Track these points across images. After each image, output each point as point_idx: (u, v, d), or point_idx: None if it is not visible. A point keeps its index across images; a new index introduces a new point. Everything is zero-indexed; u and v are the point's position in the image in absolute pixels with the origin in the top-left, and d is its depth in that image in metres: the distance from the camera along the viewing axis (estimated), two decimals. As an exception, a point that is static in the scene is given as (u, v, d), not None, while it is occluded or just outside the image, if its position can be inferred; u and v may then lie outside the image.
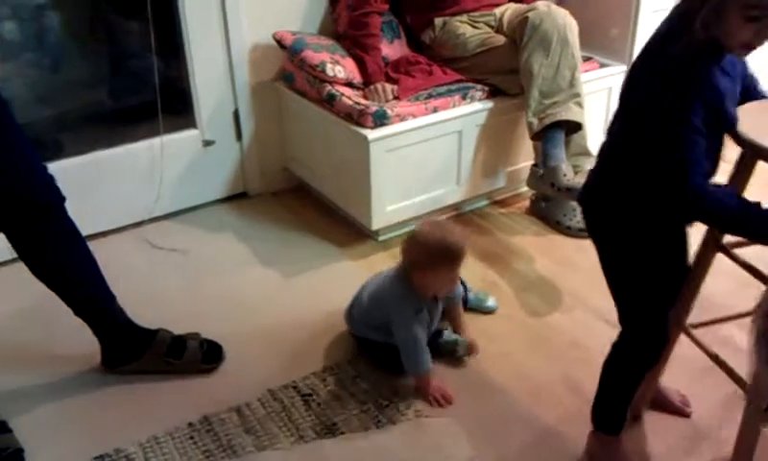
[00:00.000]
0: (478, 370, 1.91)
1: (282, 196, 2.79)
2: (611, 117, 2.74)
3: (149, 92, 2.53)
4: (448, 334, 1.95)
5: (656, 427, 1.71)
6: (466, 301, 2.05)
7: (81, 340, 1.88)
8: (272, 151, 2.77)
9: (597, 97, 2.68)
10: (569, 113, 2.32)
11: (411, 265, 1.79)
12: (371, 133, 2.26)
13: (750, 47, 1.20)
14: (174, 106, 2.64)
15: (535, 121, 2.34)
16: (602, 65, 2.71)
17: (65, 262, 1.74)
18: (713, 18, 1.16)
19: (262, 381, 1.87)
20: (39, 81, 2.58)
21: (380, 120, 2.28)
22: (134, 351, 1.87)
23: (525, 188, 2.66)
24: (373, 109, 2.29)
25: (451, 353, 1.92)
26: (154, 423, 1.75)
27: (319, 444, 1.69)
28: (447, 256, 1.75)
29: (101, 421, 1.77)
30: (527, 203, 2.67)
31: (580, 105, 2.35)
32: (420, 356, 1.80)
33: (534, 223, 2.58)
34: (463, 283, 2.03)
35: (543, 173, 2.35)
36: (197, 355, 1.90)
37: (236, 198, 2.79)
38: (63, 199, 1.70)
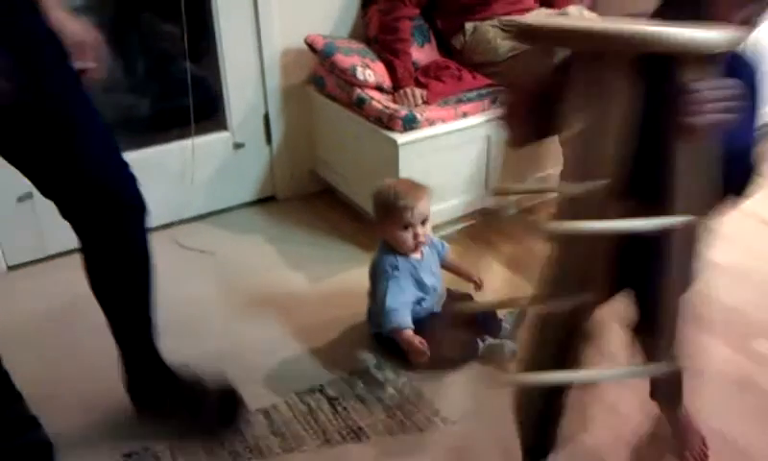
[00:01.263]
0: (506, 377, 1.90)
1: (311, 199, 2.80)
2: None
3: (181, 95, 2.56)
4: (491, 340, 1.95)
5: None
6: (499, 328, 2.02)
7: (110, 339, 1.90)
8: (301, 154, 2.78)
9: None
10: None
11: (375, 220, 1.97)
12: (400, 137, 2.26)
13: None
14: (205, 109, 2.67)
15: (566, 128, 2.33)
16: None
17: (131, 281, 1.62)
18: None
19: (289, 384, 1.88)
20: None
21: (410, 124, 2.28)
22: (160, 394, 1.73)
23: (554, 195, 2.64)
24: (403, 113, 2.29)
25: (497, 357, 1.92)
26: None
27: (345, 448, 1.69)
28: (389, 207, 1.89)
29: (129, 419, 1.79)
30: (555, 210, 2.65)
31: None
32: (388, 313, 1.85)
33: (563, 230, 2.56)
34: (497, 317, 2.01)
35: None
36: (213, 414, 1.74)
37: (265, 201, 2.81)
38: (145, 207, 1.54)
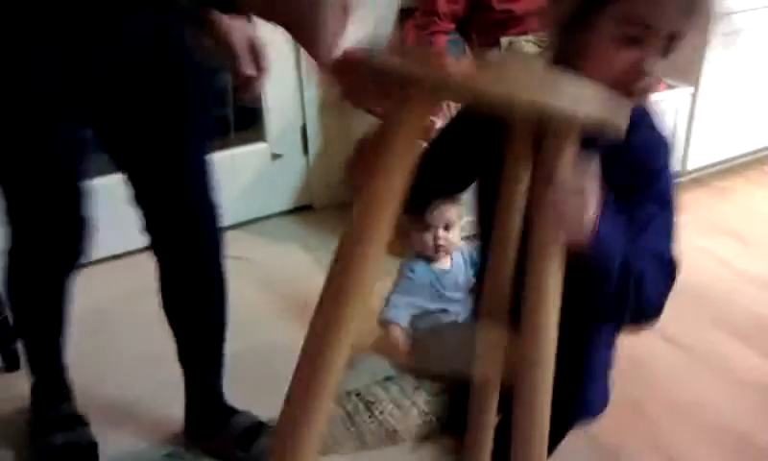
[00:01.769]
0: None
1: (347, 209, 2.81)
2: (675, 138, 2.74)
3: (222, 107, 2.62)
4: None
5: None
6: None
7: (152, 338, 1.95)
8: (338, 165, 2.81)
9: (664, 117, 2.65)
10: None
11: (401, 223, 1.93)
12: (435, 148, 2.29)
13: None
14: (244, 119, 2.73)
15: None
16: (669, 87, 2.70)
17: (203, 308, 1.64)
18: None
19: (325, 387, 1.90)
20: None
21: (445, 136, 2.31)
22: (213, 424, 1.73)
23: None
24: (437, 123, 2.32)
25: None
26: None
27: (381, 452, 1.72)
28: None
29: (169, 417, 1.83)
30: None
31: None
32: (386, 306, 1.92)
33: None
34: None
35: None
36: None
37: (302, 210, 2.85)
38: (223, 238, 1.56)
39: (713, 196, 2.86)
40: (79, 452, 1.63)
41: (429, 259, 1.96)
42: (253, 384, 1.93)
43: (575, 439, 1.71)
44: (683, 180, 2.89)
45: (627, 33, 0.83)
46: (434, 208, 1.86)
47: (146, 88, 1.31)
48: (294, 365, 1.91)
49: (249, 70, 1.35)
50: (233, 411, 1.73)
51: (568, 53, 0.87)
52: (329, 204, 2.86)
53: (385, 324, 1.92)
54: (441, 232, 1.91)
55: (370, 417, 1.81)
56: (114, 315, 2.16)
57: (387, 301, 1.95)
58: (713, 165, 2.94)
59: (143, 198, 1.45)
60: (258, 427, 1.70)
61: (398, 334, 1.90)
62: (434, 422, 1.78)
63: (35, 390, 1.71)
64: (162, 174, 1.41)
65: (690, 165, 2.83)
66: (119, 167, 1.43)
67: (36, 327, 1.62)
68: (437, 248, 1.94)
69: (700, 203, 2.81)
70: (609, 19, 0.83)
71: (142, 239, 1.56)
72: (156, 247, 1.51)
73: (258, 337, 2.11)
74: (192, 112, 1.40)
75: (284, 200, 2.82)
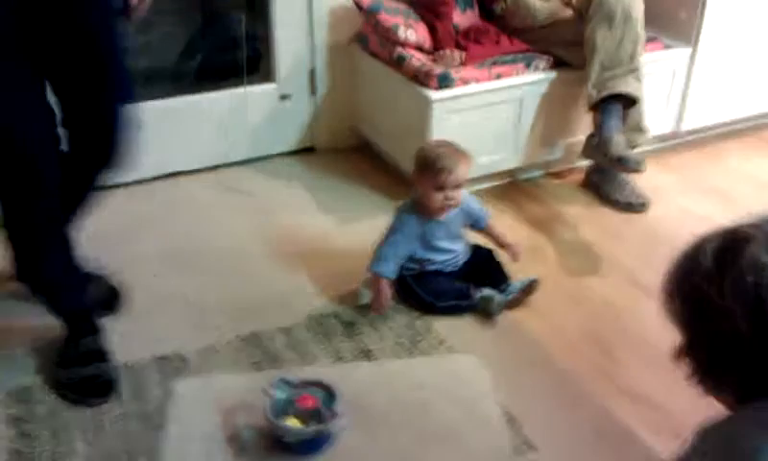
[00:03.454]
0: (513, 319, 2.02)
1: (348, 153, 2.94)
2: (672, 99, 2.79)
3: (235, 47, 2.74)
4: (488, 291, 2.04)
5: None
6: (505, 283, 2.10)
7: (146, 245, 2.09)
8: (342, 110, 2.92)
9: (660, 78, 2.72)
10: (627, 86, 2.39)
11: (413, 172, 2.03)
12: (434, 94, 2.38)
13: None
14: (255, 60, 2.84)
15: (594, 92, 2.42)
16: (666, 47, 2.75)
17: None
18: None
19: (309, 309, 2.04)
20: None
21: (444, 82, 2.40)
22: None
23: (582, 162, 2.74)
24: (438, 71, 2.41)
25: (485, 309, 2.02)
26: (209, 333, 1.94)
27: (355, 364, 1.85)
28: (428, 166, 1.96)
29: (162, 326, 1.98)
30: (582, 176, 2.74)
31: (638, 79, 2.41)
32: (379, 258, 2.00)
33: (585, 195, 2.66)
34: (506, 277, 2.10)
35: (597, 142, 2.43)
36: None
37: (305, 151, 2.96)
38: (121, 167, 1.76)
39: (706, 159, 2.92)
40: (93, 388, 1.74)
41: (425, 212, 2.02)
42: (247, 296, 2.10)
43: (537, 363, 1.85)
44: (677, 141, 2.96)
45: None
46: (450, 172, 1.94)
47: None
48: (282, 289, 2.05)
49: None
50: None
51: None
52: (331, 147, 2.96)
53: (374, 275, 2.02)
54: (450, 192, 1.97)
55: (346, 336, 1.94)
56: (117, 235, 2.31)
57: (377, 251, 2.02)
58: (709, 128, 2.99)
59: (69, 118, 1.67)
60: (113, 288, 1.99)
61: (385, 289, 2.00)
62: (407, 345, 1.91)
63: (62, 322, 1.82)
64: (87, 91, 1.63)
65: (685, 127, 2.89)
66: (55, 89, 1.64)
67: (44, 260, 1.74)
68: (444, 207, 2.00)
69: (691, 164, 2.88)
70: None
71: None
72: (70, 143, 1.71)
73: (251, 265, 2.25)
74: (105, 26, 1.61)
75: (288, 141, 2.93)
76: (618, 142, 2.36)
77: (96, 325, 1.85)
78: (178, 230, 2.42)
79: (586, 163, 2.73)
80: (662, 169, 2.79)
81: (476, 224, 2.14)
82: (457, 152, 2.00)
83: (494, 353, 1.90)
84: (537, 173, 2.78)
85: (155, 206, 2.57)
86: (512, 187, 2.69)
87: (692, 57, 2.77)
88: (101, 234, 2.32)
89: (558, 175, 2.79)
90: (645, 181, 2.59)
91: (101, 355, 1.79)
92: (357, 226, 2.45)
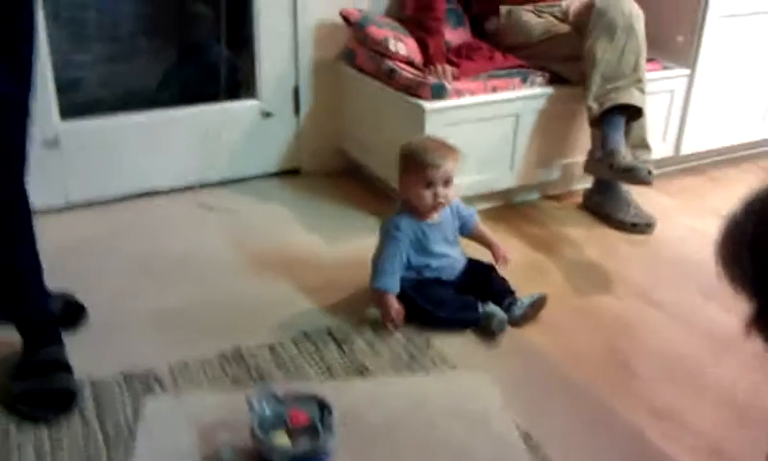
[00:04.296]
0: (521, 336, 1.85)
1: (335, 176, 2.79)
2: (671, 122, 2.71)
3: (215, 58, 2.60)
4: (492, 307, 1.87)
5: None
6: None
7: (119, 260, 1.90)
8: (328, 130, 2.78)
9: (659, 98, 2.63)
10: (631, 98, 2.28)
11: (398, 174, 1.90)
12: (428, 105, 2.25)
13: None
14: (237, 74, 2.70)
15: (595, 105, 2.31)
16: (665, 68, 2.67)
17: None
18: None
19: (297, 326, 1.85)
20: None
21: (438, 93, 2.27)
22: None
23: (579, 185, 2.63)
24: (432, 81, 2.29)
25: (486, 326, 1.84)
26: (185, 348, 1.74)
27: (350, 382, 1.66)
28: (415, 162, 1.83)
29: (132, 341, 1.78)
30: (580, 199, 2.61)
31: (642, 90, 2.31)
32: (380, 273, 1.85)
33: (586, 217, 2.53)
34: (511, 291, 1.94)
35: (601, 156, 2.30)
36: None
37: (289, 173, 2.80)
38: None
39: (706, 184, 2.83)
40: (53, 399, 1.53)
41: (415, 214, 1.89)
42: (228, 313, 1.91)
43: (550, 377, 1.68)
44: (675, 168, 2.86)
45: None
46: (438, 166, 1.81)
47: None
48: (268, 307, 1.86)
49: None
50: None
51: None
52: (317, 169, 2.81)
53: (380, 293, 1.86)
54: (441, 189, 1.84)
55: (340, 353, 1.75)
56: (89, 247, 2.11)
57: (377, 266, 1.88)
58: (708, 154, 2.91)
59: None
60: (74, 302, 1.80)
61: (392, 305, 1.84)
62: (406, 360, 1.73)
63: (20, 331, 1.61)
64: None
65: (684, 150, 2.80)
66: None
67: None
68: (436, 205, 1.87)
69: (692, 189, 2.78)
70: None
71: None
72: None
73: (234, 281, 2.06)
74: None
75: (272, 161, 2.77)
76: (625, 154, 2.23)
77: (59, 335, 1.64)
78: (151, 245, 2.24)
79: (583, 186, 2.61)
80: (663, 193, 2.67)
81: (464, 226, 1.99)
82: (444, 145, 1.87)
83: (503, 370, 1.72)
84: (533, 196, 2.65)
85: (126, 223, 2.40)
86: (508, 210, 2.55)
87: (691, 79, 2.68)
88: (66, 250, 2.15)
89: (555, 198, 2.66)
90: (646, 204, 2.47)
91: (63, 366, 1.58)
92: (347, 244, 2.28)
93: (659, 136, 2.68)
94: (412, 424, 1.53)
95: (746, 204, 0.87)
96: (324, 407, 1.44)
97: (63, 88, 2.41)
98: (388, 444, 1.47)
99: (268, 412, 1.42)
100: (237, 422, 1.44)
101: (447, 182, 1.85)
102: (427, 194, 1.84)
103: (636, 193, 2.47)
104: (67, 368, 1.58)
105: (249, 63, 2.67)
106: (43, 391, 1.52)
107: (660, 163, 2.75)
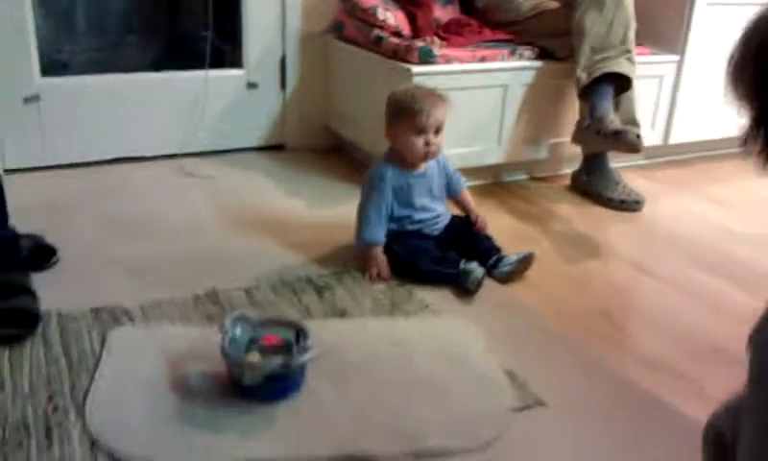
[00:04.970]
0: (509, 292, 1.80)
1: (320, 153, 2.74)
2: (661, 106, 2.68)
3: (202, 24, 2.56)
4: (472, 264, 1.81)
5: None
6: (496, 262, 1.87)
7: (96, 216, 1.84)
8: (314, 106, 2.74)
9: (648, 83, 2.60)
10: (620, 67, 2.25)
11: (386, 123, 1.84)
12: (415, 68, 2.22)
13: None
14: (223, 42, 2.66)
15: (584, 75, 2.28)
16: (653, 53, 2.65)
17: None
18: None
19: (276, 273, 1.78)
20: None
21: (426, 57, 2.24)
22: None
23: (567, 169, 2.59)
24: (420, 44, 2.26)
25: (462, 283, 1.76)
26: (157, 289, 1.67)
27: (329, 321, 1.59)
28: (405, 109, 1.78)
29: (103, 283, 1.71)
30: (568, 181, 2.58)
31: (631, 61, 2.28)
32: (365, 225, 1.82)
33: (575, 196, 2.49)
34: (497, 249, 1.89)
35: (590, 123, 2.27)
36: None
37: (274, 148, 2.75)
38: None
39: (695, 173, 2.81)
40: (14, 318, 1.46)
41: (401, 165, 1.84)
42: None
43: (536, 328, 1.61)
44: (664, 159, 2.84)
45: None
46: (428, 113, 1.77)
47: None
48: (249, 260, 1.79)
49: None
50: None
51: None
52: (303, 145, 2.76)
53: (365, 245, 1.82)
54: (432, 137, 1.79)
55: (319, 297, 1.69)
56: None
57: (362, 217, 1.83)
58: (697, 146, 2.89)
59: None
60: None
61: (380, 256, 1.80)
62: (387, 306, 1.66)
63: None
64: None
65: (673, 139, 2.77)
66: None
67: None
68: (426, 154, 1.82)
69: (681, 177, 2.75)
70: None
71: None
72: None
73: (216, 239, 1.99)
74: None
75: (256, 135, 2.72)
76: (613, 118, 2.20)
77: (23, 263, 1.56)
78: (130, 205, 2.18)
79: (572, 170, 2.57)
80: (651, 180, 2.65)
81: (451, 185, 1.94)
82: (432, 93, 1.83)
83: (488, 318, 1.66)
84: (521, 176, 2.61)
85: (106, 184, 2.34)
86: (497, 187, 2.51)
87: (680, 66, 2.67)
88: (42, 205, 2.09)
89: (543, 179, 2.62)
90: (634, 188, 2.44)
91: (26, 291, 1.51)
92: (329, 208, 2.23)
93: (647, 124, 2.65)
94: (390, 362, 1.46)
95: (754, 21, 0.86)
96: (300, 331, 1.38)
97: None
98: (366, 378, 1.40)
99: (240, 333, 1.36)
100: (209, 352, 1.38)
101: (438, 130, 1.81)
102: (418, 141, 1.79)
103: (625, 179, 2.45)
104: (31, 293, 1.52)
105: (236, 33, 2.63)
106: (6, 310, 1.44)
107: (649, 153, 2.73)
